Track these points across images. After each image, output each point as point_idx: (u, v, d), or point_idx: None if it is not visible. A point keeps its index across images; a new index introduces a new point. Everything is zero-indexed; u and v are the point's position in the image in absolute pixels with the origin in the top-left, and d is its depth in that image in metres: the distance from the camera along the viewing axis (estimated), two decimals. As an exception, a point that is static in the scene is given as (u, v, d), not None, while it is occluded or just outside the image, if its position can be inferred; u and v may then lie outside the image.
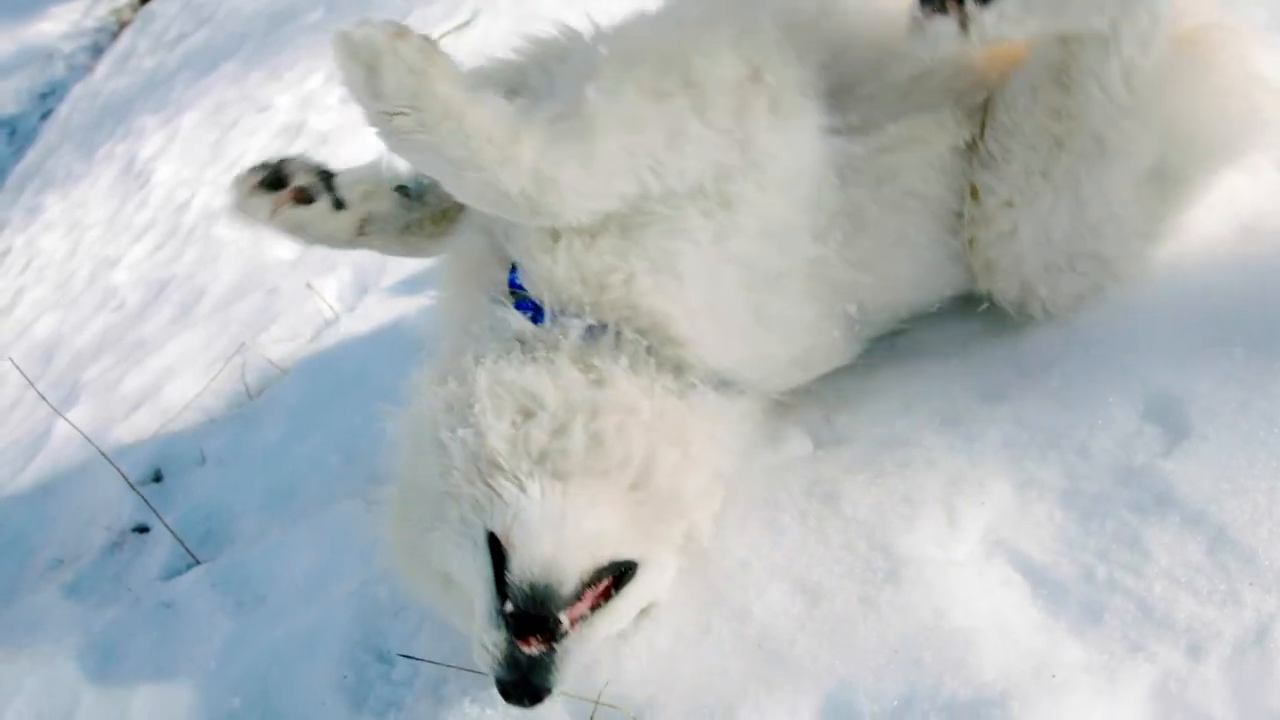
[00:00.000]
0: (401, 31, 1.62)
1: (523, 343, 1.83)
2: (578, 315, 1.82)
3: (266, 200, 2.07)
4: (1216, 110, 1.95)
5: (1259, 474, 1.66)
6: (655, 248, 1.78)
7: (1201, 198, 2.08)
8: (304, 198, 2.09)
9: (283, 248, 4.34)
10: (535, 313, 1.85)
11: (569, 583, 1.65)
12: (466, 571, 1.73)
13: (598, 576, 1.70)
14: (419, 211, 2.18)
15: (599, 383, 1.78)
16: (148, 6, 11.63)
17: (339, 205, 2.11)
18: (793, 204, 1.84)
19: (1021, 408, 1.93)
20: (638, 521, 1.74)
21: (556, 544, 1.65)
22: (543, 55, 2.06)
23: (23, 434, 4.03)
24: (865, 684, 1.64)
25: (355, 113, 1.72)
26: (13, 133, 10.89)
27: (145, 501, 2.90)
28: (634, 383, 1.79)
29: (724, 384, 1.90)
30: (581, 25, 2.00)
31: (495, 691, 1.70)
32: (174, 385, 3.71)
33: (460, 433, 1.74)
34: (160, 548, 2.83)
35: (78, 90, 10.67)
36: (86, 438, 3.27)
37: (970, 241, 2.02)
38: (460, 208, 2.05)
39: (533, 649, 1.64)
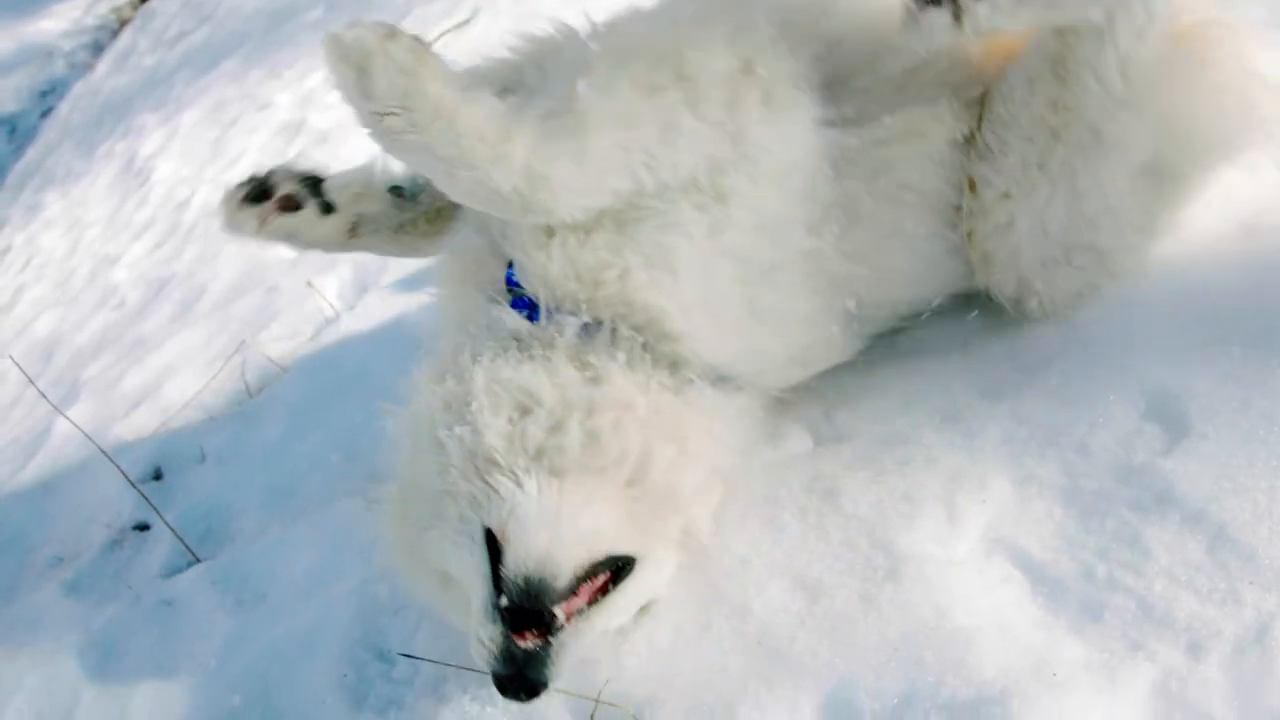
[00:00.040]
0: (392, 32, 1.62)
1: (519, 341, 1.83)
2: (573, 312, 1.82)
3: (253, 213, 2.08)
4: (1214, 107, 1.95)
5: (1259, 472, 1.65)
6: (649, 243, 1.78)
7: (1199, 195, 2.07)
8: (290, 205, 2.09)
9: (283, 247, 4.33)
10: (532, 310, 1.85)
11: (563, 577, 1.65)
12: (464, 568, 1.73)
13: (593, 571, 1.71)
14: (412, 211, 2.18)
15: (595, 380, 1.78)
16: (148, 4, 11.64)
17: (327, 209, 2.11)
18: (786, 196, 1.84)
19: (1021, 405, 1.93)
20: (634, 517, 1.74)
21: (551, 538, 1.65)
22: (538, 53, 2.06)
23: (23, 432, 4.04)
24: (865, 681, 1.64)
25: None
26: (13, 130, 10.91)
27: (145, 499, 2.91)
28: (630, 379, 1.79)
29: (721, 380, 1.90)
30: (579, 23, 2.00)
31: (495, 689, 1.70)
32: (174, 383, 3.71)
33: (458, 430, 1.75)
34: (160, 545, 2.84)
35: (78, 88, 10.69)
36: (86, 435, 3.28)
37: (968, 234, 2.02)
38: (455, 207, 2.05)
39: (528, 643, 1.64)
